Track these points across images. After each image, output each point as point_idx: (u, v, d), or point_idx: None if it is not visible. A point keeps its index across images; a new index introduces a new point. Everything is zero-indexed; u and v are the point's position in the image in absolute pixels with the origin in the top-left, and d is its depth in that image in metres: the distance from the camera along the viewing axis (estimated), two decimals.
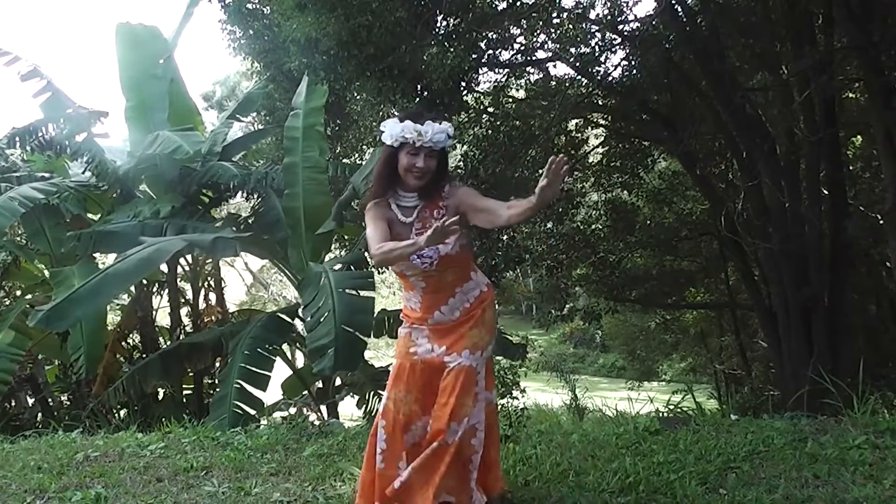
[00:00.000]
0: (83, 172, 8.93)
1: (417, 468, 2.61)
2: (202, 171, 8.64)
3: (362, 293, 6.10)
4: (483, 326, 2.74)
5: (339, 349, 5.55)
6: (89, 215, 9.29)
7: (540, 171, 9.78)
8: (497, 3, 7.88)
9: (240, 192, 9.12)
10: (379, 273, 10.00)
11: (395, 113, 9.61)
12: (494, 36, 7.75)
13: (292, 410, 8.25)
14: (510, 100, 10.62)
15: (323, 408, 8.04)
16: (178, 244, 6.64)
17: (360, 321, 5.79)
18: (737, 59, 8.49)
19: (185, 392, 9.05)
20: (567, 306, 12.46)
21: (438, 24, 7.20)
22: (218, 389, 7.07)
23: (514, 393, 11.02)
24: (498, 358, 10.52)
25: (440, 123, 2.62)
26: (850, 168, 9.87)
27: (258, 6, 8.41)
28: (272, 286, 21.43)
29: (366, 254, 6.60)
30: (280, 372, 8.02)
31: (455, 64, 6.63)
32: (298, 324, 8.28)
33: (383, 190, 2.70)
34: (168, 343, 9.15)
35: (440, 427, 2.62)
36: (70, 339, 7.53)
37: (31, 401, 8.89)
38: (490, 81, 9.84)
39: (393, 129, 2.63)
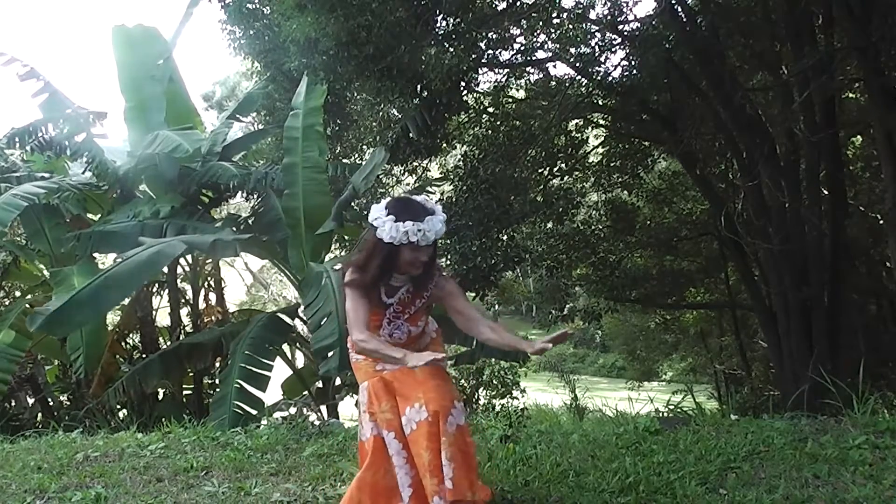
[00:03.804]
0: (83, 172, 8.92)
1: (453, 458, 2.56)
2: (202, 171, 8.63)
3: None
4: (440, 347, 2.95)
5: (344, 349, 5.56)
6: (89, 215, 9.29)
7: (540, 171, 9.76)
8: (497, 3, 7.88)
9: (240, 192, 9.11)
10: None
11: (394, 113, 9.61)
12: (494, 36, 7.75)
13: (292, 410, 8.23)
14: (510, 100, 10.63)
15: (323, 408, 8.04)
16: (178, 248, 6.58)
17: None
18: (737, 59, 8.50)
19: (185, 392, 9.04)
20: (567, 306, 12.47)
21: (438, 24, 7.20)
22: (218, 389, 7.07)
23: (514, 393, 11.08)
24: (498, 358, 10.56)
25: (435, 213, 2.61)
26: (850, 168, 9.87)
27: (258, 6, 8.40)
28: (272, 286, 21.45)
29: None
30: (280, 372, 8.02)
31: (454, 64, 6.64)
32: (298, 324, 8.28)
33: (376, 282, 2.69)
34: (168, 343, 9.15)
35: (443, 403, 2.60)
36: (69, 339, 7.52)
37: (31, 401, 8.87)
38: (490, 81, 9.86)
39: (393, 231, 2.56)
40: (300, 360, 9.26)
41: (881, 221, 8.72)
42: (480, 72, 8.60)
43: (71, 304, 5.83)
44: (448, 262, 7.92)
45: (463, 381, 10.67)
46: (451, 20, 7.26)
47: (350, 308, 2.68)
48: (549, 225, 10.88)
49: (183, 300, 9.71)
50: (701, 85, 7.99)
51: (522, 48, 8.69)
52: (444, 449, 2.56)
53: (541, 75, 10.03)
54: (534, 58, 9.01)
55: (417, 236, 2.55)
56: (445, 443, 2.57)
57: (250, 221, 9.01)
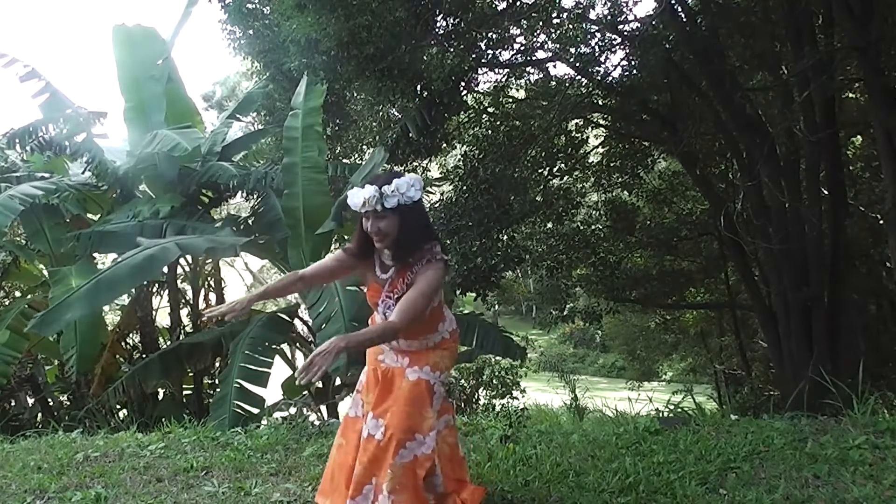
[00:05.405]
0: (83, 172, 8.92)
1: (394, 491, 2.54)
2: (202, 170, 8.63)
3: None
4: (447, 352, 2.79)
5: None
6: (89, 215, 9.28)
7: (539, 171, 9.74)
8: (497, 3, 7.88)
9: (239, 192, 9.11)
10: None
11: (394, 113, 9.62)
12: (494, 36, 7.75)
13: (292, 410, 8.23)
14: (510, 100, 10.63)
15: (323, 408, 8.03)
16: (172, 252, 6.52)
17: (368, 314, 5.81)
18: (737, 59, 8.50)
19: (185, 392, 9.04)
20: (567, 306, 12.47)
21: (438, 24, 7.20)
22: (218, 389, 7.06)
23: (514, 393, 11.08)
24: (498, 358, 10.55)
25: (379, 184, 2.54)
26: (850, 168, 9.88)
27: (258, 6, 8.40)
28: None
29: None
30: (280, 372, 8.01)
31: (455, 64, 6.64)
32: (298, 324, 8.29)
33: (360, 251, 2.72)
34: (168, 343, 9.14)
35: (402, 436, 2.58)
36: (63, 338, 7.47)
37: (31, 401, 8.87)
38: (490, 81, 9.87)
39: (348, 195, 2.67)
40: (300, 360, 9.26)
41: (881, 221, 8.72)
42: (480, 72, 8.60)
43: (62, 304, 5.89)
44: (448, 263, 7.90)
45: (463, 381, 10.67)
46: (451, 20, 7.26)
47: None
48: (549, 225, 10.89)
49: (183, 300, 9.71)
50: (701, 85, 8.00)
51: (522, 48, 8.69)
52: (387, 481, 2.55)
53: (541, 75, 10.03)
54: (534, 58, 9.01)
55: (350, 201, 2.61)
56: (391, 475, 2.55)
57: (250, 221, 9.00)
